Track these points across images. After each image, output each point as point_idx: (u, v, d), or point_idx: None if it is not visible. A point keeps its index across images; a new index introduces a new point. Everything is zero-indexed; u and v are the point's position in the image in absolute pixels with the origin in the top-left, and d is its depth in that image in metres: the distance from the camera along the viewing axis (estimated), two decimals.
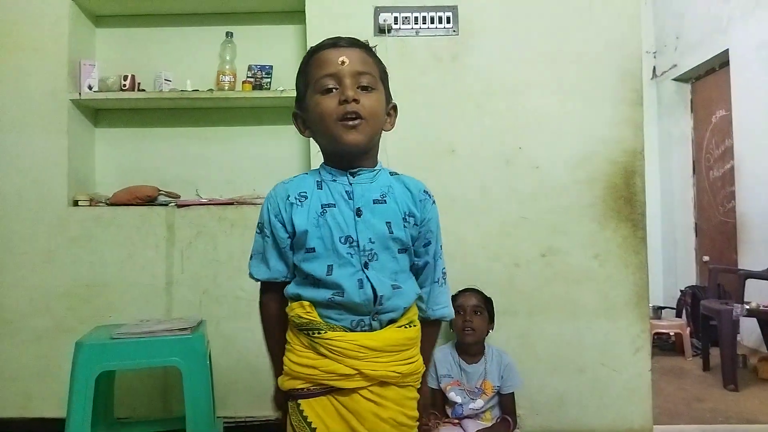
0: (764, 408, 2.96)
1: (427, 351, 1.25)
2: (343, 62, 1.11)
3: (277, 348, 1.21)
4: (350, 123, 1.10)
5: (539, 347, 2.45)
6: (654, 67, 5.41)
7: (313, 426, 1.12)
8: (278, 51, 2.71)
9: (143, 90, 2.61)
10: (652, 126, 5.13)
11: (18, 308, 2.49)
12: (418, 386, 1.22)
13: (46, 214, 2.50)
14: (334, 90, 1.11)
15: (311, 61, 1.16)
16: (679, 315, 4.53)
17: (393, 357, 1.13)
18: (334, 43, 1.15)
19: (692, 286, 4.64)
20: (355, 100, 1.10)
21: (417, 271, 1.24)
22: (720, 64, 4.55)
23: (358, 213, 1.13)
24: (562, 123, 2.47)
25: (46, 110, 2.52)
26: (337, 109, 1.10)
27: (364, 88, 1.12)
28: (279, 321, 1.21)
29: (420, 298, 1.24)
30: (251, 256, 1.23)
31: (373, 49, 1.20)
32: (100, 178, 2.74)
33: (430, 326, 1.26)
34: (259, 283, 1.24)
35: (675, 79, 5.15)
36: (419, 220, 1.19)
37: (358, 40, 1.18)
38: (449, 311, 1.28)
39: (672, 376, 3.60)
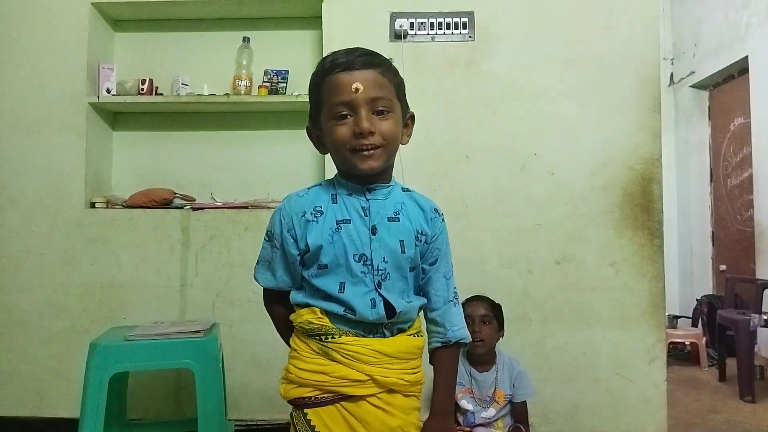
0: None
1: (449, 378, 1.20)
2: (356, 89, 1.07)
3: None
4: (366, 153, 1.09)
5: (553, 355, 2.43)
6: (671, 74, 5.36)
7: None
8: (294, 56, 2.73)
9: (161, 94, 2.64)
10: (669, 133, 5.08)
11: (34, 308, 2.51)
12: (420, 397, 1.21)
13: (63, 216, 2.53)
14: (348, 117, 1.08)
15: (324, 83, 1.11)
16: (694, 324, 4.47)
17: (402, 365, 1.14)
18: (348, 65, 1.09)
19: (708, 295, 4.58)
20: (371, 132, 1.07)
21: (425, 291, 1.21)
22: (739, 71, 4.50)
23: (374, 231, 1.12)
24: (578, 129, 2.45)
25: (64, 113, 2.55)
26: (352, 141, 1.08)
27: (380, 113, 1.09)
28: (286, 323, 1.23)
29: (435, 322, 1.21)
30: (258, 261, 1.23)
31: (390, 62, 1.16)
32: (116, 181, 2.77)
33: (449, 349, 1.21)
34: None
35: (692, 86, 5.09)
36: (429, 238, 1.18)
37: (373, 58, 1.12)
38: (467, 333, 1.23)
39: (687, 386, 3.55)
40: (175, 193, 2.60)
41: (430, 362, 1.23)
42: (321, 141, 1.17)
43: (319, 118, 1.14)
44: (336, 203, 1.14)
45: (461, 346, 1.24)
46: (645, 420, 2.40)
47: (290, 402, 1.16)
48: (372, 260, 1.11)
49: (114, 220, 2.53)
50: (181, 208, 2.55)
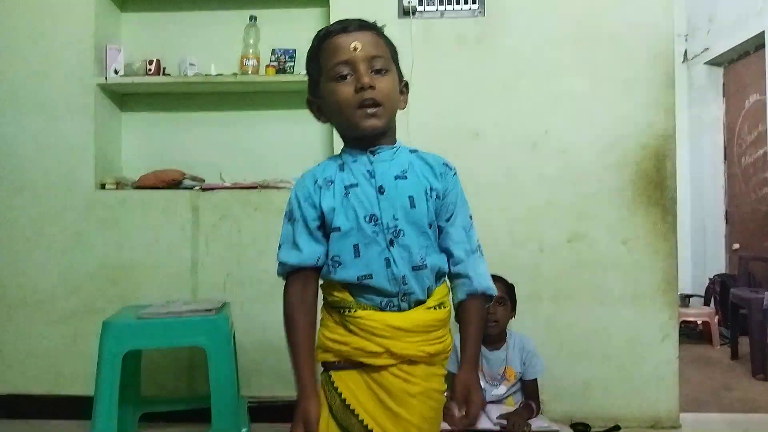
0: None
1: (478, 329, 1.20)
2: (355, 48, 1.10)
3: (303, 338, 1.14)
4: (369, 111, 1.11)
5: (564, 333, 2.43)
6: (685, 51, 5.27)
7: (343, 396, 1.13)
8: (302, 34, 2.65)
9: (168, 74, 2.63)
10: (682, 111, 5.00)
11: (48, 289, 2.54)
12: (446, 364, 1.22)
13: (74, 197, 2.54)
14: (348, 77, 1.11)
15: (322, 47, 1.15)
16: (707, 303, 4.45)
17: (421, 337, 1.14)
18: (344, 27, 1.13)
19: (721, 274, 4.54)
20: (372, 87, 1.10)
21: (446, 247, 1.20)
22: (755, 47, 4.41)
23: (381, 190, 1.13)
24: (591, 106, 2.42)
25: (72, 94, 2.55)
26: (354, 97, 1.10)
27: (378, 72, 1.12)
28: (304, 308, 1.16)
29: (459, 275, 1.20)
30: (279, 247, 1.18)
31: (382, 29, 1.19)
32: (126, 162, 2.77)
33: (475, 300, 1.19)
34: (284, 278, 1.19)
35: (707, 63, 5.01)
36: (441, 193, 1.18)
37: (367, 22, 1.16)
38: (493, 286, 1.21)
39: (699, 364, 3.54)
40: (185, 174, 2.61)
41: (456, 319, 1.21)
42: (321, 110, 1.19)
43: (319, 86, 1.17)
44: (343, 171, 1.16)
45: (487, 299, 1.22)
46: (657, 397, 2.40)
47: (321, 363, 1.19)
48: (382, 219, 1.12)
49: (124, 202, 2.54)
50: (191, 189, 2.56)
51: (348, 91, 1.10)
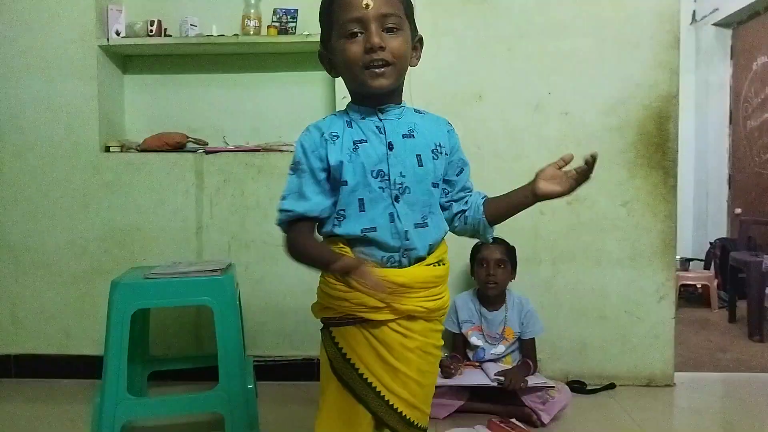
0: None
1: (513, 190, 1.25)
2: (367, 5, 1.09)
3: (313, 244, 1.16)
4: (377, 71, 1.10)
5: (562, 294, 2.47)
6: (694, 12, 5.17)
7: (343, 351, 1.17)
8: None
9: (169, 35, 2.61)
10: (689, 74, 4.94)
11: (56, 251, 2.58)
12: (444, 320, 1.26)
13: (79, 160, 2.56)
14: (359, 34, 1.10)
15: (334, 3, 1.14)
16: (707, 267, 4.49)
17: (421, 293, 1.16)
18: None
19: (722, 238, 4.57)
20: (381, 48, 1.09)
21: (458, 198, 1.25)
22: (765, 6, 4.33)
23: (390, 147, 1.15)
24: (594, 66, 2.41)
25: (75, 56, 2.55)
26: (364, 57, 1.10)
27: (390, 30, 1.11)
28: (309, 240, 1.17)
29: (469, 196, 1.26)
30: (283, 197, 1.17)
31: None
32: (129, 125, 2.78)
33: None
34: (283, 229, 1.19)
35: (715, 24, 4.92)
36: (449, 150, 1.21)
37: None
38: None
39: (697, 327, 3.59)
40: (188, 137, 2.61)
41: (489, 221, 1.23)
42: (332, 64, 1.19)
43: (330, 40, 1.16)
44: (351, 127, 1.16)
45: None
46: (652, 356, 2.45)
47: (321, 320, 1.22)
48: (389, 175, 1.14)
49: (129, 164, 2.56)
50: (195, 152, 2.57)
51: (357, 50, 1.10)
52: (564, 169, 1.20)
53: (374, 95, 1.15)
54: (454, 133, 1.25)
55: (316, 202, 1.15)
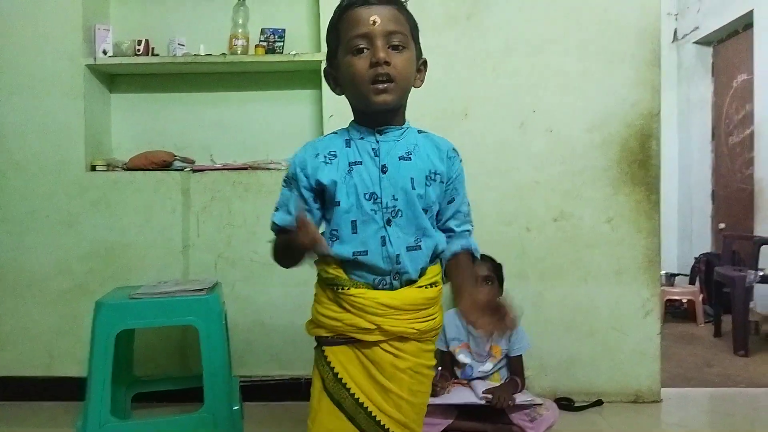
0: None
1: (470, 272, 1.23)
2: (374, 22, 1.10)
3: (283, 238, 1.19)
4: (381, 86, 1.11)
5: (550, 310, 2.47)
6: (675, 30, 5.27)
7: (335, 371, 1.17)
8: (291, 14, 2.69)
9: (157, 55, 2.61)
10: (671, 91, 5.03)
11: (40, 270, 2.55)
12: (436, 340, 1.26)
13: (65, 179, 2.54)
14: (365, 50, 1.11)
15: (342, 18, 1.15)
16: (692, 282, 4.52)
17: (412, 315, 1.17)
18: (366, 1, 1.13)
19: (707, 253, 4.61)
20: (387, 63, 1.10)
21: (446, 227, 1.25)
22: (744, 26, 4.42)
23: (383, 170, 1.15)
24: (578, 84, 2.45)
25: (62, 75, 2.54)
26: (369, 72, 1.11)
27: (395, 48, 1.12)
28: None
29: (452, 237, 1.25)
30: (276, 209, 1.23)
31: (405, 3, 1.19)
32: (116, 144, 2.77)
33: (467, 254, 1.25)
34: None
35: (696, 42, 5.01)
36: (446, 178, 1.21)
37: None
38: (479, 251, 1.28)
39: (683, 342, 3.61)
40: (175, 156, 2.61)
41: (446, 274, 1.24)
42: (337, 81, 1.20)
43: (336, 57, 1.17)
44: (349, 147, 1.18)
45: (474, 259, 1.27)
46: (639, 372, 2.46)
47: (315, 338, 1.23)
48: (381, 198, 1.14)
49: (115, 183, 2.55)
50: (182, 170, 2.56)
51: (363, 65, 1.11)
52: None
53: (376, 112, 1.15)
54: (456, 160, 1.23)
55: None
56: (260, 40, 2.61)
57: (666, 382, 2.54)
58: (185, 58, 2.56)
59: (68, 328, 2.54)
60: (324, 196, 1.18)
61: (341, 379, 1.17)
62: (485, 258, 2.27)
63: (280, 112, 2.73)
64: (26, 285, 2.56)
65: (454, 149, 1.24)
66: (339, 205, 1.15)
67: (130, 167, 2.57)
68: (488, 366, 2.27)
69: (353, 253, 1.15)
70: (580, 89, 2.45)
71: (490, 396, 2.07)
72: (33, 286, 2.56)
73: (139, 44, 2.57)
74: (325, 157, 1.17)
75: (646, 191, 2.44)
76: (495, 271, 2.30)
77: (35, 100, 2.55)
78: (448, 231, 1.25)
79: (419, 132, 1.22)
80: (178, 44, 2.59)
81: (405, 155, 1.16)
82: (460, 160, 1.25)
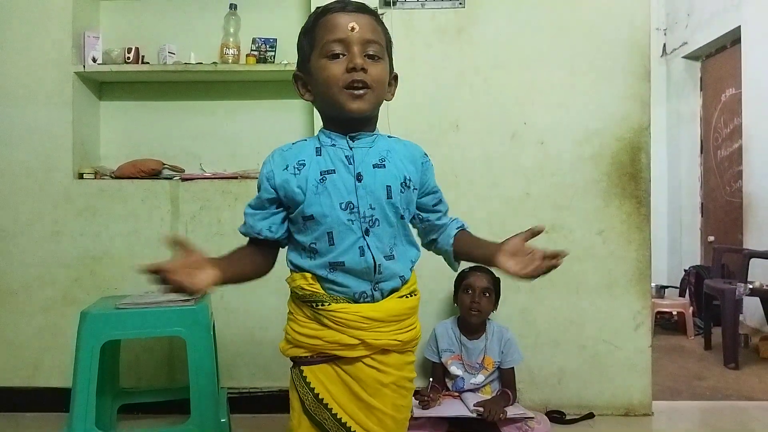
0: (763, 386, 2.98)
1: (485, 242, 1.24)
2: (353, 28, 1.09)
3: (233, 254, 1.19)
4: (356, 92, 1.09)
5: (540, 323, 2.46)
6: (664, 45, 5.34)
7: (315, 391, 1.14)
8: (282, 23, 2.69)
9: (147, 63, 2.60)
10: (660, 105, 5.08)
11: (25, 279, 2.51)
12: (415, 351, 1.24)
13: (52, 187, 2.51)
14: (341, 56, 1.09)
15: (319, 23, 1.13)
16: (682, 294, 4.53)
17: (395, 326, 1.15)
18: (344, 6, 1.12)
19: (696, 265, 4.63)
20: (363, 69, 1.09)
21: (434, 228, 1.26)
22: (732, 41, 4.48)
23: (359, 178, 1.12)
24: (568, 97, 2.45)
25: (51, 83, 2.52)
26: (344, 77, 1.09)
27: (371, 57, 1.11)
28: (247, 259, 1.20)
29: (444, 224, 1.27)
30: (245, 213, 1.23)
31: (381, 17, 1.18)
32: (104, 151, 2.74)
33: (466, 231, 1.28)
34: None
35: (685, 57, 5.08)
36: (418, 184, 1.20)
37: (368, 6, 1.16)
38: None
39: (673, 354, 3.61)
40: (164, 164, 2.59)
41: (457, 255, 1.25)
42: (307, 86, 1.18)
43: (309, 62, 1.15)
44: (320, 155, 1.14)
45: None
46: (630, 385, 2.45)
47: (290, 359, 1.19)
48: (359, 207, 1.12)
49: (103, 191, 2.52)
50: (170, 178, 2.54)
51: (338, 69, 1.09)
52: (533, 244, 1.15)
53: (349, 120, 1.13)
54: (428, 165, 1.24)
55: (254, 228, 1.18)
56: (252, 50, 2.61)
57: (657, 395, 2.54)
58: (175, 66, 2.55)
59: (53, 338, 2.50)
60: (294, 210, 1.14)
61: (322, 399, 1.14)
62: (485, 270, 2.26)
63: (270, 121, 2.72)
64: (10, 294, 2.52)
65: (425, 154, 1.24)
66: (312, 218, 1.11)
67: (119, 175, 2.54)
68: (480, 378, 2.26)
69: (330, 264, 1.12)
70: (571, 103, 2.46)
71: (481, 409, 2.05)
72: (17, 296, 2.52)
73: (129, 52, 2.56)
74: (294, 167, 1.13)
75: (637, 204, 2.45)
76: (494, 284, 2.29)
77: (23, 107, 2.52)
78: (436, 229, 1.26)
79: (389, 137, 1.21)
80: (169, 52, 2.57)
81: (379, 162, 1.14)
82: (431, 164, 1.25)
